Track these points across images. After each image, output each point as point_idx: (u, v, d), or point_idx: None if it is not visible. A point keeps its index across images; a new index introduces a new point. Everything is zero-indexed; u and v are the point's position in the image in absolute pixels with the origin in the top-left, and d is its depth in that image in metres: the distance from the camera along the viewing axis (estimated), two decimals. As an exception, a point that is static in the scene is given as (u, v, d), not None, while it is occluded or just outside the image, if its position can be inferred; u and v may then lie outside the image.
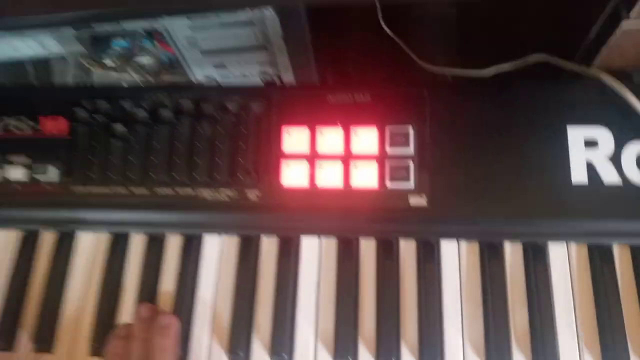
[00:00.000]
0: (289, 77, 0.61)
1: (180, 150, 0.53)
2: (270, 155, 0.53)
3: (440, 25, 0.67)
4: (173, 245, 0.54)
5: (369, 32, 0.59)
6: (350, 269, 0.51)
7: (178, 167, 0.53)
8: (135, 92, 0.56)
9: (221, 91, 0.56)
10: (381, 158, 0.52)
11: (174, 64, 0.62)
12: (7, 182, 0.55)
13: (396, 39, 0.56)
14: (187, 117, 0.54)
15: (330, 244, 0.53)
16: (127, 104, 0.55)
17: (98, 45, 0.61)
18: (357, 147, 0.52)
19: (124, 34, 0.61)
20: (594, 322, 0.48)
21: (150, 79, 0.59)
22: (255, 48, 0.60)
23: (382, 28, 0.54)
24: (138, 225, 0.55)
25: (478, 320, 0.49)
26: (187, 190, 0.53)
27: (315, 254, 0.53)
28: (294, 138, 0.53)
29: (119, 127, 0.55)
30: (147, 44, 0.60)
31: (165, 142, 0.53)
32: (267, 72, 0.62)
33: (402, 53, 0.58)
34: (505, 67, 0.57)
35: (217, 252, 0.54)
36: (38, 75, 0.65)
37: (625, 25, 0.47)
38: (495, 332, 0.48)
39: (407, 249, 0.52)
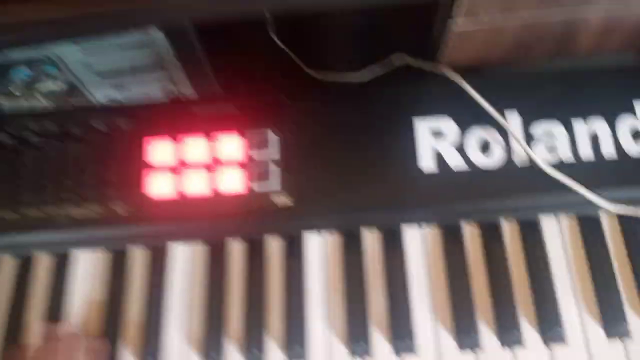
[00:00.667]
0: (189, 92, 0.63)
1: (45, 170, 0.54)
2: (135, 168, 0.54)
3: (325, 33, 0.70)
4: (42, 264, 0.55)
5: (263, 42, 0.62)
6: (219, 270, 0.53)
7: (43, 187, 0.53)
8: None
9: (88, 110, 0.57)
10: (245, 163, 0.54)
11: (74, 89, 0.62)
12: None
13: (284, 47, 0.59)
14: (52, 139, 0.55)
15: (200, 249, 0.55)
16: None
17: None
18: (221, 153, 0.54)
19: (25, 62, 0.60)
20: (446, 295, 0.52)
21: (61, 103, 0.60)
22: (151, 67, 0.61)
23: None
24: (7, 248, 0.55)
25: (339, 305, 0.52)
26: (54, 209, 0.53)
27: (186, 260, 0.54)
28: (158, 150, 0.55)
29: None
30: (51, 70, 0.60)
31: (31, 163, 0.54)
32: (168, 89, 0.64)
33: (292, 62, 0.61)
34: (373, 68, 0.60)
35: (88, 267, 0.55)
36: None
37: (454, 25, 0.51)
38: (355, 316, 0.51)
39: (274, 246, 0.55)
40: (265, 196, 0.53)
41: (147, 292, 0.53)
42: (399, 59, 0.60)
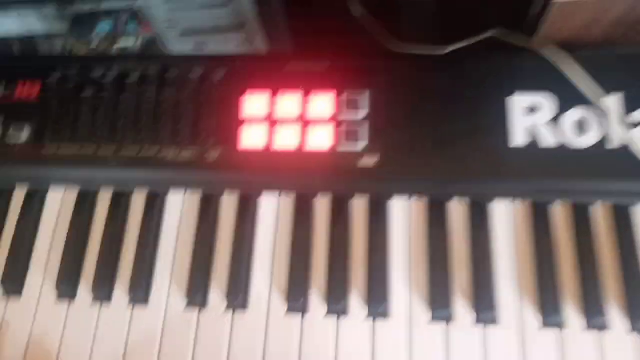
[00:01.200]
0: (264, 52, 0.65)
1: (146, 113, 0.56)
2: (230, 119, 0.56)
3: (407, 6, 0.71)
4: (138, 201, 0.57)
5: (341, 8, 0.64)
6: (305, 224, 0.54)
7: (144, 128, 0.56)
8: (104, 60, 0.60)
9: (186, 60, 0.59)
10: (336, 121, 0.55)
11: (152, 45, 0.66)
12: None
13: (360, 17, 0.60)
14: (152, 82, 0.57)
15: (287, 201, 0.56)
16: (96, 72, 0.59)
17: (82, 26, 0.65)
18: (313, 111, 0.55)
19: (108, 16, 0.64)
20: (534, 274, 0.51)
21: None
22: (232, 27, 0.64)
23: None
24: (105, 182, 0.58)
25: (423, 271, 0.52)
26: (152, 150, 0.56)
27: (274, 210, 0.56)
28: (253, 103, 0.56)
29: (88, 91, 0.58)
30: (131, 26, 0.64)
31: (133, 105, 0.56)
32: (244, 48, 0.66)
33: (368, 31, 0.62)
34: (460, 45, 0.60)
35: (180, 207, 0.57)
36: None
37: (556, -1, 0.51)
38: (438, 283, 0.51)
39: (359, 206, 0.55)
40: (352, 156, 0.54)
41: (234, 237, 0.55)
42: (495, 33, 0.60)
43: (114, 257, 0.55)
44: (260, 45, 0.67)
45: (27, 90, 0.59)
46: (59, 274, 0.55)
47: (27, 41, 0.67)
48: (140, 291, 0.53)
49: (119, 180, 0.57)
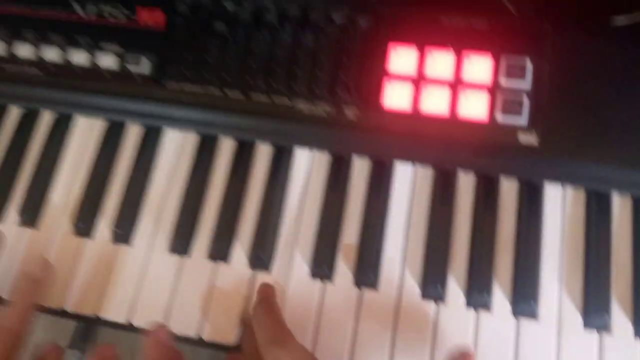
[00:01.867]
0: None
1: (280, 58, 0.50)
2: (373, 74, 0.50)
3: None
4: (263, 154, 0.52)
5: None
6: (445, 201, 0.49)
7: (276, 74, 0.50)
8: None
9: (328, 2, 0.53)
10: (493, 89, 0.48)
11: None
12: (97, 68, 0.53)
13: None
14: (290, 24, 0.51)
15: (426, 174, 0.50)
16: (230, 3, 0.53)
17: None
18: (468, 74, 0.49)
19: None
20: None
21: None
22: None
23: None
24: (228, 128, 0.52)
25: (578, 268, 0.47)
26: (283, 100, 0.50)
27: (409, 182, 0.50)
28: (400, 58, 0.50)
29: (219, 26, 0.52)
30: None
31: (266, 48, 0.51)
32: None
33: None
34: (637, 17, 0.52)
35: (307, 166, 0.51)
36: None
37: None
38: (595, 285, 0.45)
39: (509, 188, 0.49)
40: (509, 130, 0.48)
41: (365, 208, 0.50)
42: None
43: (235, 213, 0.50)
44: None
45: (150, 18, 0.54)
46: (174, 226, 0.51)
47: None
48: (262, 254, 0.49)
49: (244, 127, 0.52)
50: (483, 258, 0.47)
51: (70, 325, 1.20)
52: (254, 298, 0.47)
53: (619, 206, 0.48)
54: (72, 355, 1.19)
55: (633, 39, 0.49)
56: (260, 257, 0.48)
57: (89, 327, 1.20)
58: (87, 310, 0.48)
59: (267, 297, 0.46)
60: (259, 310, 0.44)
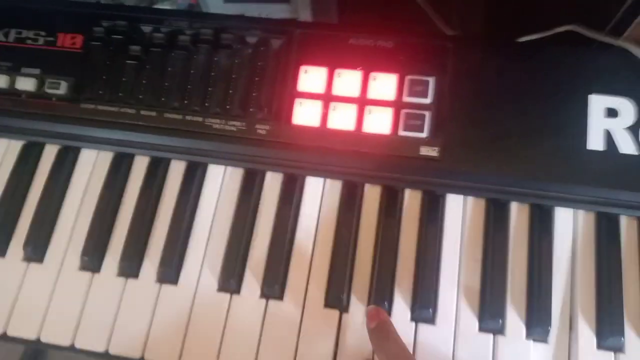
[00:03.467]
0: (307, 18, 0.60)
1: (194, 78, 0.52)
2: (284, 92, 0.51)
3: None
4: (176, 171, 0.53)
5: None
6: (352, 213, 0.50)
7: (190, 94, 0.51)
8: (155, 15, 0.55)
9: (242, 22, 0.54)
10: (397, 105, 0.50)
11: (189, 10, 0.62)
12: (15, 92, 0.54)
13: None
14: (205, 45, 0.53)
15: (334, 186, 0.52)
16: (145, 27, 0.54)
17: None
18: (373, 92, 0.51)
19: None
20: (592, 290, 0.47)
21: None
22: None
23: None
24: (143, 147, 0.53)
25: (476, 276, 0.48)
26: (197, 118, 0.52)
27: (319, 194, 0.51)
28: (310, 77, 0.52)
29: (135, 48, 0.54)
30: None
31: (180, 68, 0.52)
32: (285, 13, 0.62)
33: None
34: (537, 35, 0.56)
35: (220, 182, 0.52)
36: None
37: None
38: (491, 289, 0.47)
39: (412, 199, 0.51)
40: (412, 143, 0.50)
41: (275, 218, 0.51)
42: (575, 27, 0.55)
43: (146, 229, 0.51)
44: (306, 17, 0.63)
45: (69, 42, 0.55)
46: (84, 243, 0.51)
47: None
48: (169, 269, 0.49)
49: (158, 146, 0.53)
50: (387, 268, 0.48)
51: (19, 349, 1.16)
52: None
53: (516, 213, 0.50)
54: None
55: (527, 52, 0.52)
56: (167, 271, 0.49)
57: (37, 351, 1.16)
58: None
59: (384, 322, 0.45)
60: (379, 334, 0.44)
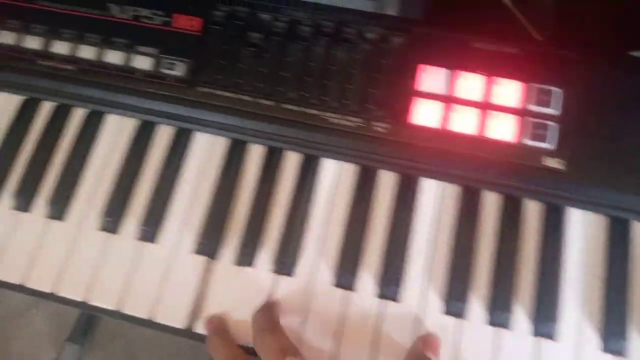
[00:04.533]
0: (390, 14, 0.59)
1: (312, 70, 0.51)
2: (402, 91, 0.51)
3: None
4: (291, 162, 0.52)
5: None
6: (470, 219, 0.49)
7: (308, 86, 0.51)
8: (276, 4, 0.54)
9: (363, 17, 0.53)
10: (522, 112, 0.49)
11: None
12: (131, 69, 0.54)
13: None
14: (324, 38, 0.52)
15: (452, 191, 0.51)
16: (266, 15, 0.54)
17: None
18: (497, 97, 0.50)
19: None
20: None
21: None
22: None
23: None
24: (258, 135, 0.53)
25: (597, 293, 0.47)
26: (314, 111, 0.51)
27: (435, 198, 0.50)
28: (431, 77, 0.51)
29: (255, 36, 0.53)
30: None
31: (299, 59, 0.52)
32: (369, 5, 0.60)
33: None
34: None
35: (334, 176, 0.52)
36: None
37: None
38: (615, 310, 0.46)
39: (532, 210, 0.50)
40: (535, 153, 0.49)
41: (391, 220, 0.50)
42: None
43: (261, 219, 0.51)
44: (391, 8, 0.61)
45: (188, 23, 0.55)
46: (201, 229, 0.51)
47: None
48: (286, 260, 0.49)
49: (274, 135, 0.52)
50: (505, 277, 0.48)
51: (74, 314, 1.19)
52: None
53: (638, 234, 0.49)
54: (70, 349, 1.19)
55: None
56: (284, 262, 0.49)
57: (90, 318, 1.19)
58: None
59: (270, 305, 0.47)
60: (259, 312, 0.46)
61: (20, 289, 0.50)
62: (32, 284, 0.50)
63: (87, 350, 1.20)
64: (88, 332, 1.18)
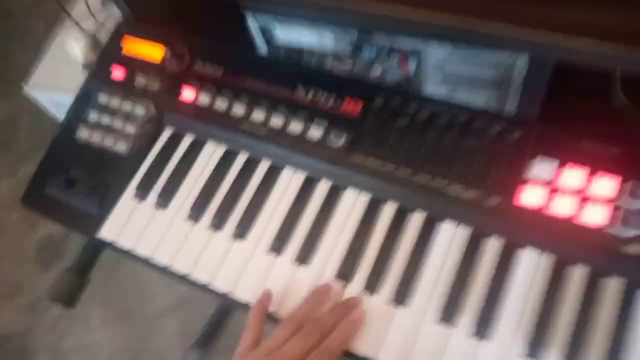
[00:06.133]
0: (510, 112, 0.71)
1: (445, 151, 0.65)
2: (518, 175, 0.63)
3: None
4: (415, 222, 0.66)
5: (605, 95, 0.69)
6: (556, 289, 0.59)
7: (440, 162, 0.65)
8: (419, 99, 0.70)
9: (491, 116, 0.67)
10: (613, 205, 0.60)
11: (402, 80, 0.76)
12: (306, 136, 0.72)
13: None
14: (457, 127, 0.66)
15: (545, 262, 0.61)
16: (412, 105, 0.70)
17: (354, 51, 0.76)
18: (595, 188, 0.60)
19: (376, 45, 0.75)
20: None
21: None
22: (492, 83, 0.72)
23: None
24: (393, 197, 0.67)
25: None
26: (442, 181, 0.65)
27: (532, 267, 0.61)
28: (541, 167, 0.62)
29: (401, 121, 0.69)
30: (390, 60, 0.75)
31: (435, 142, 0.66)
32: (491, 103, 0.74)
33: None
34: None
35: (449, 238, 0.64)
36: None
37: None
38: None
39: (612, 288, 0.58)
40: (621, 240, 0.58)
41: (491, 282, 0.62)
42: None
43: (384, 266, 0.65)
44: (510, 108, 0.74)
45: (352, 106, 0.73)
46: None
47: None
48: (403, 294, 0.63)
49: (407, 198, 0.67)
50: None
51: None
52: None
53: None
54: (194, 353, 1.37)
55: None
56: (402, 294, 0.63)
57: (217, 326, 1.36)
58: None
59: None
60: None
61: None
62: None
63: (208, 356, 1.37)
64: (214, 339, 1.36)
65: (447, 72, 0.73)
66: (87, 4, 1.17)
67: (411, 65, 0.74)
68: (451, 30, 0.60)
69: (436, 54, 0.71)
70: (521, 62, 0.66)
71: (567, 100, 0.71)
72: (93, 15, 1.17)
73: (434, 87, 0.76)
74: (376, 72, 0.77)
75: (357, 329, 0.60)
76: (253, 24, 0.79)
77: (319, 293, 0.63)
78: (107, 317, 1.53)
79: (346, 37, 0.74)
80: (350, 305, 0.61)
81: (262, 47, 0.83)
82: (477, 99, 0.74)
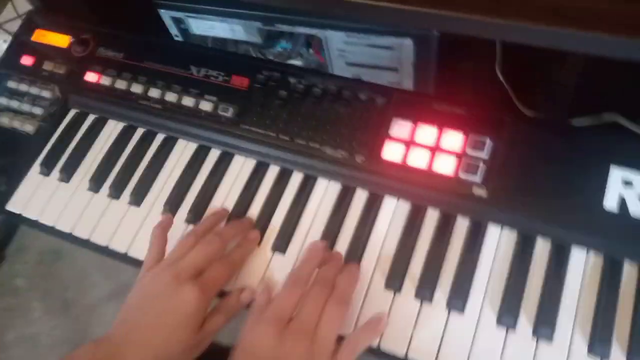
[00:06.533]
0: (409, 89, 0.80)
1: (319, 118, 0.72)
2: (380, 135, 0.71)
3: (545, 76, 0.83)
4: (295, 180, 0.73)
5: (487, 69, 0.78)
6: (413, 228, 0.67)
7: (314, 127, 0.73)
8: (299, 72, 0.77)
9: (359, 84, 0.75)
10: (460, 155, 0.68)
11: (318, 68, 0.84)
12: (198, 110, 0.79)
13: (503, 81, 0.74)
14: (330, 96, 0.74)
15: (403, 206, 0.69)
16: (291, 79, 0.77)
17: (268, 41, 0.85)
18: (444, 143, 0.69)
19: (290, 38, 0.84)
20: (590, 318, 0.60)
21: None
22: (389, 68, 0.80)
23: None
24: (277, 160, 0.74)
25: (498, 295, 0.63)
26: (316, 145, 0.73)
27: (391, 211, 0.69)
28: (400, 126, 0.71)
29: (282, 93, 0.76)
30: (304, 50, 0.83)
31: (311, 110, 0.74)
32: (392, 84, 0.82)
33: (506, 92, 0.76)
34: (582, 120, 0.72)
35: (322, 192, 0.71)
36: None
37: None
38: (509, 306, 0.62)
39: (461, 225, 0.66)
40: (467, 184, 0.66)
41: (357, 225, 0.69)
42: (618, 118, 0.70)
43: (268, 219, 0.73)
44: (408, 86, 0.83)
45: (239, 81, 0.80)
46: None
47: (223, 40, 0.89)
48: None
49: (287, 161, 0.74)
50: (433, 271, 0.66)
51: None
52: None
53: (541, 248, 0.65)
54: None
55: (570, 132, 0.68)
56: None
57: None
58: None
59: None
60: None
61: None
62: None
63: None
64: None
65: (348, 56, 0.81)
66: (13, 5, 1.21)
67: (318, 51, 0.82)
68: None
69: (335, 39, 0.79)
70: (407, 45, 0.74)
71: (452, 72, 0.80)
72: (20, 16, 1.21)
73: (340, 70, 0.85)
74: (289, 58, 0.85)
75: (253, 247, 0.68)
76: (166, 17, 0.86)
77: (216, 214, 0.70)
78: (49, 308, 1.56)
79: (253, 27, 0.81)
80: (246, 224, 0.69)
81: (179, 37, 0.91)
82: (381, 80, 0.82)
